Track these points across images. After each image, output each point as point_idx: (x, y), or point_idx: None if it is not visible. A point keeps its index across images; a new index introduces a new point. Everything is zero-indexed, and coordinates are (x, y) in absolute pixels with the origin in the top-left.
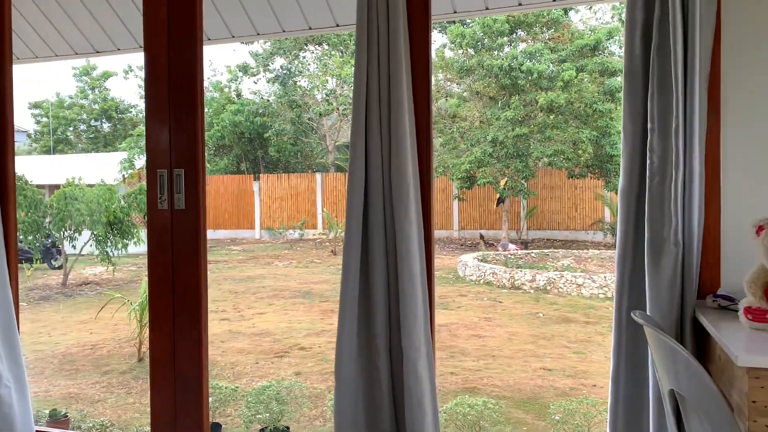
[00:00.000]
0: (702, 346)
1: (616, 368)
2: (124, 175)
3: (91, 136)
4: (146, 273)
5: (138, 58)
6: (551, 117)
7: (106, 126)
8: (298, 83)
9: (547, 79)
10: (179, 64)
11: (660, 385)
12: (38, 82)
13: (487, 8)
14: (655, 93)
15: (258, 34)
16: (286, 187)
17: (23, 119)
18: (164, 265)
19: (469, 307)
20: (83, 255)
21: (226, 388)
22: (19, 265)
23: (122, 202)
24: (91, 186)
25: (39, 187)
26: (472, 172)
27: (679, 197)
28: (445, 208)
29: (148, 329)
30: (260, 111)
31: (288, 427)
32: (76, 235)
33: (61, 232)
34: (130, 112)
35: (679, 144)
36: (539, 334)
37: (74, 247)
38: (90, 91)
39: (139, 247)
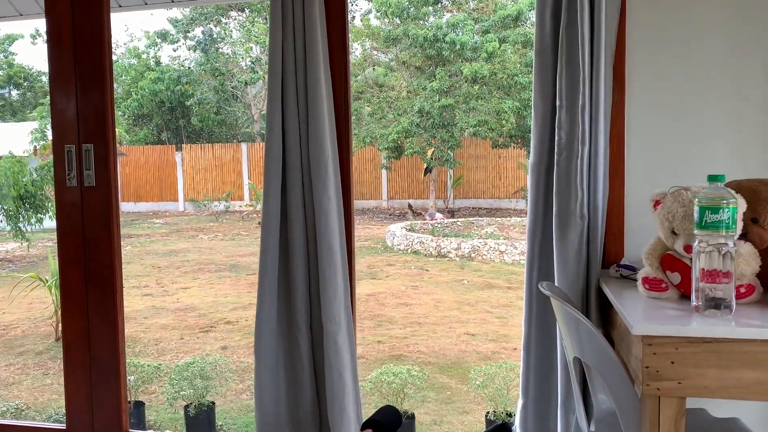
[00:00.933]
0: (606, 314)
1: (527, 336)
2: (35, 147)
3: None
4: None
5: (44, 23)
6: (476, 88)
7: (14, 93)
8: (221, 50)
9: (471, 50)
10: (85, 31)
11: (566, 353)
12: None
13: None
14: (563, 70)
15: (173, 1)
16: (210, 158)
17: None
18: (75, 246)
19: (396, 276)
20: None
21: (148, 365)
22: None
23: (34, 175)
24: None
25: None
26: (399, 142)
27: (585, 172)
28: (373, 178)
29: None
30: (181, 79)
31: (213, 403)
32: None
33: None
34: (41, 80)
35: (585, 120)
36: (464, 300)
37: None
38: None
39: (54, 221)
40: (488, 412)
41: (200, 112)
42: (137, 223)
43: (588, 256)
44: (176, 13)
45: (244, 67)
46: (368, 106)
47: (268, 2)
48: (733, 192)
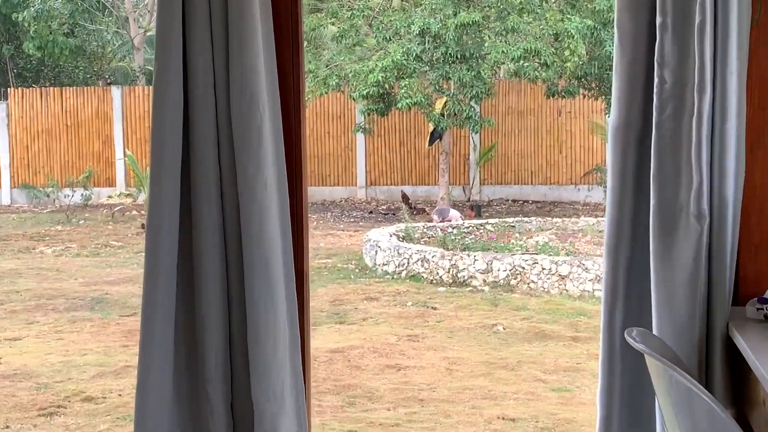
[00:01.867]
0: (738, 381)
1: (606, 421)
2: None
3: None
4: None
5: None
6: None
7: None
8: None
9: None
10: None
11: None
12: None
13: None
14: None
15: None
16: (58, 112)
17: None
18: None
19: (381, 317)
20: None
21: None
22: None
23: None
24: None
25: None
26: (387, 86)
27: (705, 140)
28: (341, 150)
29: None
30: None
31: None
32: None
33: None
34: None
35: (706, 51)
36: (498, 360)
37: None
38: None
39: None
40: None
41: (40, 33)
42: None
43: (710, 284)
44: None
45: None
46: (333, 23)
47: None
48: None
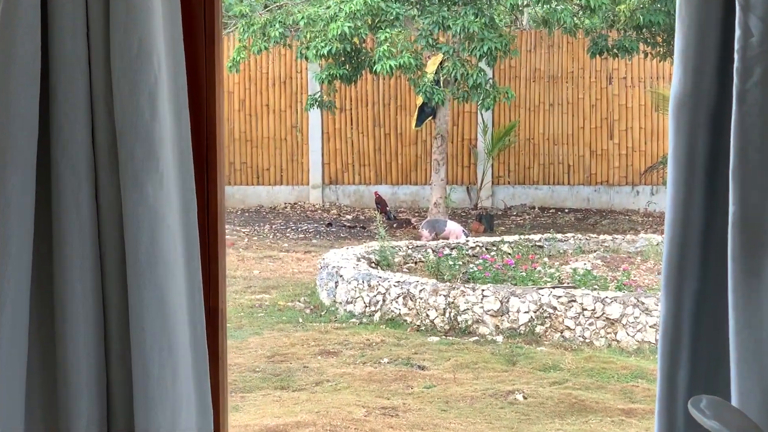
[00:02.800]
0: None
1: None
2: None
3: None
4: None
5: None
6: None
7: None
8: None
9: None
10: None
11: None
12: None
13: None
14: None
15: None
16: None
17: None
18: None
19: (344, 381)
20: None
21: None
22: None
23: None
24: None
25: None
26: (357, 39)
27: None
28: (286, 132)
29: None
30: None
31: None
32: None
33: None
34: None
35: None
36: None
37: None
38: None
39: None
40: None
41: None
42: None
43: None
44: None
45: None
46: None
47: None
48: None
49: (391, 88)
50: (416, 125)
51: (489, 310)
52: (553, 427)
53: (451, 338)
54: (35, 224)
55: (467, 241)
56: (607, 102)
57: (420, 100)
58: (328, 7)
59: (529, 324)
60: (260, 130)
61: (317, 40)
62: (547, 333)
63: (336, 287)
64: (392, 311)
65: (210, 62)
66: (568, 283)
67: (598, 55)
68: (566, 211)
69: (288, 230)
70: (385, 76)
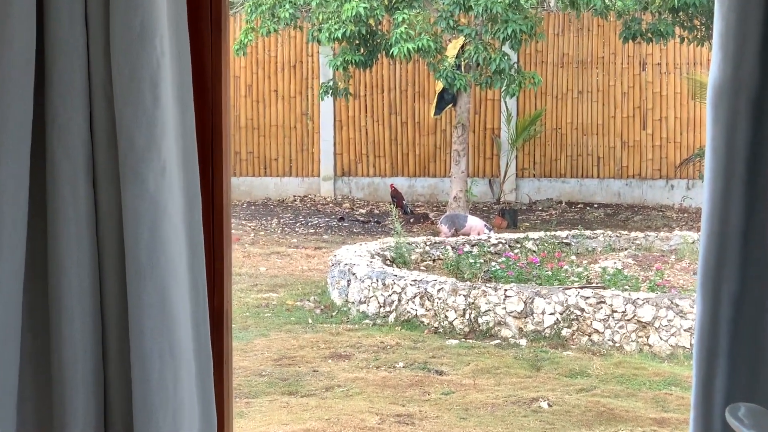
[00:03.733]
0: None
1: None
2: None
3: None
4: None
5: None
6: None
7: None
8: None
9: None
10: None
11: None
12: None
13: None
14: None
15: None
16: None
17: None
18: None
19: (356, 386)
20: None
21: None
22: None
23: None
24: None
25: None
26: (373, 21)
27: None
28: (296, 120)
29: None
30: None
31: None
32: None
33: None
34: None
35: None
36: None
37: None
38: None
39: None
40: None
41: None
42: None
43: None
44: None
45: None
46: None
47: None
48: None
49: (408, 74)
50: (435, 113)
51: (512, 312)
52: None
53: (471, 341)
54: (29, 217)
55: (489, 237)
56: (640, 89)
57: (439, 87)
58: None
59: (555, 326)
60: (268, 118)
61: (330, 21)
62: (574, 336)
63: (348, 286)
64: (408, 312)
65: (216, 45)
66: (596, 283)
67: (630, 40)
68: (595, 206)
69: (297, 225)
70: (403, 61)
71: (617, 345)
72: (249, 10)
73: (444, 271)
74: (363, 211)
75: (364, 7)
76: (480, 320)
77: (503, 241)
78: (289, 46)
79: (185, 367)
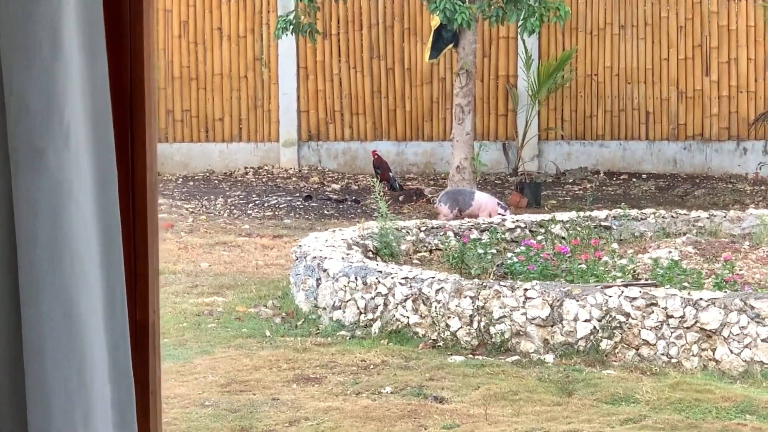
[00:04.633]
0: None
1: None
2: None
3: None
4: None
5: None
6: None
7: None
8: None
9: None
10: None
11: None
12: None
13: None
14: None
15: None
16: None
17: None
18: None
19: (329, 418)
20: None
21: None
22: None
23: None
24: None
25: None
26: None
27: None
28: (247, 68)
29: None
30: None
31: None
32: None
33: None
34: None
35: None
36: None
37: None
38: None
39: None
40: None
41: None
42: None
43: None
44: None
45: None
46: None
47: None
48: None
49: (395, 5)
50: (431, 57)
51: (534, 318)
52: None
53: (481, 358)
54: None
55: (504, 219)
56: (701, 22)
57: (436, 22)
58: None
59: (592, 338)
60: (210, 65)
61: None
62: (616, 350)
63: (318, 286)
64: (397, 320)
65: None
66: (646, 280)
67: None
68: (644, 177)
69: (250, 206)
70: None
71: (674, 361)
72: None
73: (444, 265)
74: (336, 186)
75: None
76: (492, 330)
77: (522, 225)
78: None
79: (99, 399)
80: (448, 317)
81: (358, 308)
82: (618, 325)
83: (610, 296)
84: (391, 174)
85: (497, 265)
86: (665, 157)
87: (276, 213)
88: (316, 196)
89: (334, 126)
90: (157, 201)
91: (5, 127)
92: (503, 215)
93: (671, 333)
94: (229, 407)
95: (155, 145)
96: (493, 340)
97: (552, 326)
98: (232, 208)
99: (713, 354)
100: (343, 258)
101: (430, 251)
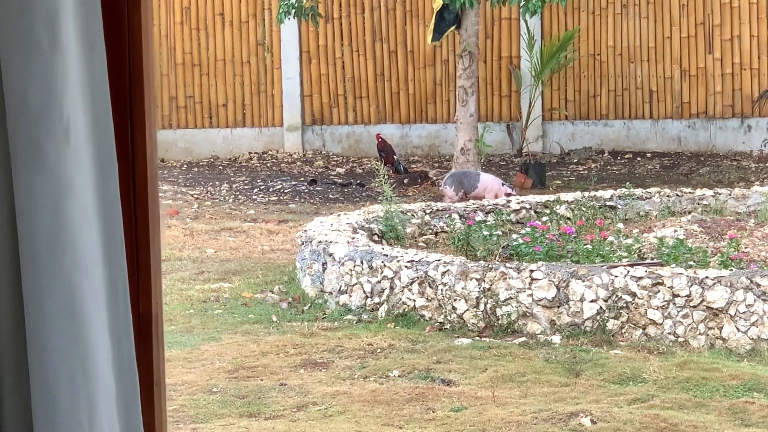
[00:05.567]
0: None
1: None
2: None
3: None
4: None
5: None
6: None
7: None
8: None
9: None
10: None
11: None
12: None
13: None
14: None
15: None
16: None
17: None
18: None
19: (337, 403)
20: None
21: None
22: None
23: None
24: None
25: None
26: None
27: None
28: (249, 53)
29: None
30: None
31: None
32: None
33: None
34: None
35: None
36: None
37: None
38: None
39: None
40: None
41: None
42: None
43: None
44: None
45: None
46: None
47: None
48: None
49: None
50: (434, 39)
51: (541, 300)
52: None
53: (487, 340)
54: None
55: (509, 201)
56: (703, 0)
57: (438, 3)
58: None
59: (598, 318)
60: (212, 51)
61: None
62: (623, 330)
63: (324, 271)
64: (404, 304)
65: None
66: (652, 259)
67: None
68: (648, 155)
69: (255, 191)
70: None
71: (680, 340)
72: None
73: (450, 248)
74: (341, 170)
75: None
76: (499, 312)
77: (527, 206)
78: None
79: (103, 392)
80: (455, 300)
81: (364, 292)
82: (624, 304)
83: (616, 276)
84: (395, 157)
85: (503, 247)
86: (669, 135)
87: (281, 198)
88: (321, 180)
89: (338, 110)
90: (158, 192)
91: (5, 122)
92: (511, 194)
93: (678, 312)
94: (237, 393)
95: (155, 135)
96: (499, 321)
97: (558, 307)
98: (237, 193)
99: (720, 332)
100: (348, 242)
101: (436, 234)
